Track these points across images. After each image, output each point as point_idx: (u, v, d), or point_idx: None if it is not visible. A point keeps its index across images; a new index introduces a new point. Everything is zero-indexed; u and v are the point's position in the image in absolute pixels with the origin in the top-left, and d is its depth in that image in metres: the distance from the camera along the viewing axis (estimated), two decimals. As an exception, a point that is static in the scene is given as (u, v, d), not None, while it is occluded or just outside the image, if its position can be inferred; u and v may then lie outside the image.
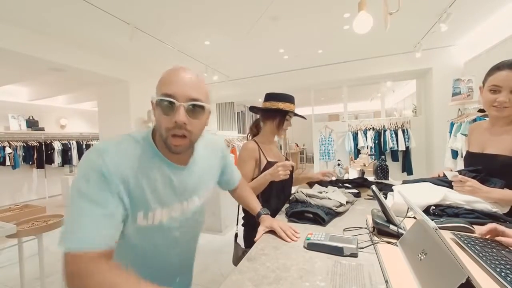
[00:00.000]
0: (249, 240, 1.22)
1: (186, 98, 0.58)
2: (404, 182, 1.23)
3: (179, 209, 0.69)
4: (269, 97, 1.28)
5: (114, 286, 0.47)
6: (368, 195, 1.37)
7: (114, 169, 0.55)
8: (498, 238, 0.67)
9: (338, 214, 1.05)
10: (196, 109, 0.60)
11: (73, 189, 0.54)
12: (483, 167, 0.98)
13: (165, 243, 0.70)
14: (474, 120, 2.46)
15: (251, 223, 1.18)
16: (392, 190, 1.08)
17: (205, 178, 0.77)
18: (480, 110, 2.43)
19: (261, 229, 0.90)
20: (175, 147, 0.60)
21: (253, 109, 1.38)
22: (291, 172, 1.34)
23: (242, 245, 1.23)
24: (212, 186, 0.83)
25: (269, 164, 1.22)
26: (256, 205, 0.99)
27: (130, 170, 0.58)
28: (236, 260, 1.21)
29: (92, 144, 6.24)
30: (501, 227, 0.69)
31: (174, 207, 0.68)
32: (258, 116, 1.39)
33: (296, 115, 1.34)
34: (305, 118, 1.48)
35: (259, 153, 1.24)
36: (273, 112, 1.27)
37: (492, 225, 0.70)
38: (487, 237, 0.71)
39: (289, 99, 1.28)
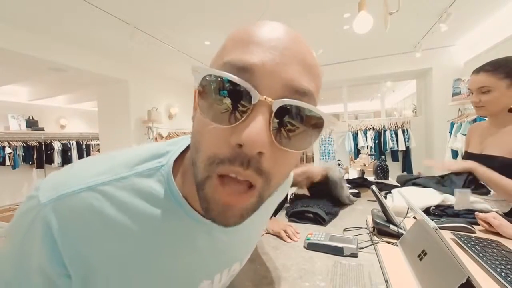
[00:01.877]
0: None
1: (283, 87, 0.25)
2: (399, 177, 1.24)
3: (212, 284, 0.40)
4: None
5: None
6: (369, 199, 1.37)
7: (72, 265, 0.28)
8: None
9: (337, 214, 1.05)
10: (298, 120, 0.26)
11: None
12: None
13: None
14: (474, 120, 2.46)
15: None
16: (391, 192, 1.08)
17: (258, 231, 0.50)
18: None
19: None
20: (223, 214, 0.27)
21: None
22: None
23: None
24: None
25: None
26: None
27: (112, 257, 0.29)
28: None
29: (92, 144, 6.22)
30: (499, 219, 0.75)
31: (203, 284, 0.39)
32: None
33: None
34: None
35: None
36: None
37: (492, 214, 0.77)
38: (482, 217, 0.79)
39: None
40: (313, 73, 0.28)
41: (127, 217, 0.29)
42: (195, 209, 0.32)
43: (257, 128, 0.23)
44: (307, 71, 0.27)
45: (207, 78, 0.25)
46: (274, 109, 0.24)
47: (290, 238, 0.82)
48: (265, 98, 0.24)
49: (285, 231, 0.84)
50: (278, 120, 0.25)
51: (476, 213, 0.83)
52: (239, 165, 0.25)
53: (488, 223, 0.76)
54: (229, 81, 0.24)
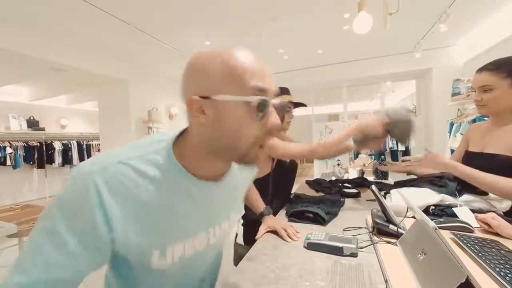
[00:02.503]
0: (249, 238, 1.22)
1: (275, 95, 0.45)
2: (396, 183, 1.24)
3: (204, 239, 0.53)
4: None
5: None
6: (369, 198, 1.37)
7: (115, 214, 0.40)
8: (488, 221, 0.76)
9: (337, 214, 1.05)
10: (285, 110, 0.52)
11: (44, 219, 0.40)
12: (483, 166, 0.98)
13: (182, 277, 0.56)
14: (474, 120, 2.47)
15: (250, 222, 1.19)
16: (390, 192, 1.08)
17: (238, 193, 0.63)
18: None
19: (262, 229, 0.90)
20: (258, 160, 0.46)
21: None
22: (293, 171, 1.34)
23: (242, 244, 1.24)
24: (241, 204, 0.69)
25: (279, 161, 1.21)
26: (259, 204, 0.98)
27: (142, 209, 0.43)
28: (236, 260, 1.22)
29: (93, 144, 6.24)
30: (498, 219, 0.75)
31: (198, 237, 0.51)
32: None
33: (296, 105, 1.32)
34: (306, 105, 1.41)
35: None
36: None
37: (492, 215, 0.77)
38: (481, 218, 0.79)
39: (282, 91, 1.27)
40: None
41: (146, 180, 0.43)
42: (192, 174, 0.47)
43: (277, 118, 0.44)
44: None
45: (246, 99, 0.41)
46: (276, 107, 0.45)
47: (290, 238, 0.82)
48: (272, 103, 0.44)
49: (285, 231, 0.84)
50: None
51: (475, 214, 0.83)
52: (271, 135, 0.45)
53: (487, 223, 0.76)
54: (262, 98, 0.41)
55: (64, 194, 0.40)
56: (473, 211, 0.87)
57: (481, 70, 0.97)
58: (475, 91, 1.00)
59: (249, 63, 0.42)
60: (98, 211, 0.39)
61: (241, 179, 0.61)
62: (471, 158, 1.08)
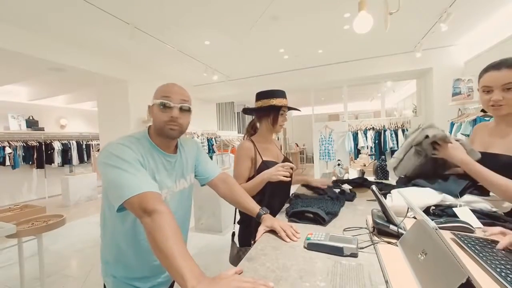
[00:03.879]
0: (244, 238, 1.22)
1: (181, 101, 0.84)
2: (399, 182, 1.22)
3: (176, 187, 0.90)
4: (260, 95, 1.29)
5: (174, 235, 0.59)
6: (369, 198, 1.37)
7: (138, 154, 0.77)
8: (497, 238, 0.69)
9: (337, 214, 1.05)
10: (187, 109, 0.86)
11: (110, 167, 0.70)
12: (486, 166, 0.96)
13: None
14: (474, 120, 2.46)
15: (246, 221, 1.18)
16: (390, 192, 1.08)
17: (189, 163, 0.98)
18: (483, 111, 2.42)
19: (261, 229, 0.89)
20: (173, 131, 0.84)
21: (246, 111, 1.37)
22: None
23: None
24: (193, 171, 1.03)
25: (264, 164, 1.21)
26: (253, 206, 0.98)
27: (142, 158, 0.78)
28: (232, 259, 1.21)
29: (92, 144, 6.27)
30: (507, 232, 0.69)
31: (172, 186, 0.89)
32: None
33: (290, 108, 1.34)
34: (299, 110, 1.42)
35: (255, 152, 1.24)
36: (267, 110, 1.27)
37: (500, 229, 0.71)
38: (488, 234, 0.72)
39: (280, 94, 1.28)
40: (189, 97, 0.88)
41: (139, 147, 0.81)
42: (160, 149, 0.87)
43: (177, 113, 0.83)
44: (186, 97, 0.87)
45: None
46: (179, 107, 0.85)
47: (290, 238, 0.82)
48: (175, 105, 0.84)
49: (285, 231, 0.83)
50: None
51: (484, 229, 0.76)
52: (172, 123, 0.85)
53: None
54: (164, 102, 0.83)
55: (116, 157, 0.72)
56: (474, 211, 0.87)
57: (498, 67, 0.89)
58: (489, 91, 0.92)
59: (164, 87, 0.84)
60: (137, 154, 0.79)
61: (189, 155, 0.98)
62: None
